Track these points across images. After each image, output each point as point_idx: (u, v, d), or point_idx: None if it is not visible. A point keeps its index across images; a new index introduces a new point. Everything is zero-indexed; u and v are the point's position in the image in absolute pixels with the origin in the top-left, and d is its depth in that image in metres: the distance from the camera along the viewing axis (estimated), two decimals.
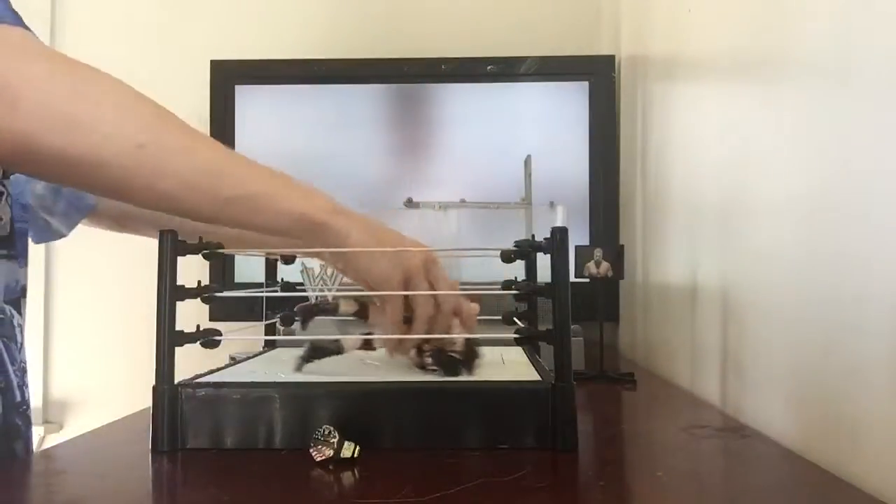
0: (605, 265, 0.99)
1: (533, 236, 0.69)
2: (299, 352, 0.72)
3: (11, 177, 0.70)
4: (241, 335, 1.01)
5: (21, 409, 0.71)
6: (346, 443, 0.59)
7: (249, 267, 1.32)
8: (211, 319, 0.83)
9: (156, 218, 0.83)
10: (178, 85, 1.60)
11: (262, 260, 0.94)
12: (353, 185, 1.44)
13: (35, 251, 1.63)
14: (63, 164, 0.55)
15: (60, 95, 0.54)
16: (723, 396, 0.87)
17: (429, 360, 0.71)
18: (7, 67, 0.53)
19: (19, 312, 0.72)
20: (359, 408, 0.63)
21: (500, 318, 0.88)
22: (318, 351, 0.71)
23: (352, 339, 0.71)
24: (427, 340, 0.71)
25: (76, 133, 0.54)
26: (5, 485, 0.57)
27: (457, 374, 0.70)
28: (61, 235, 0.87)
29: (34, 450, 0.76)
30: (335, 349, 0.71)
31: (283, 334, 0.95)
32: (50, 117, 0.53)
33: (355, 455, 0.58)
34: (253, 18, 1.68)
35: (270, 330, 0.92)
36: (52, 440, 1.60)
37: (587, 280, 0.99)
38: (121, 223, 0.89)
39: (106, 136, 0.55)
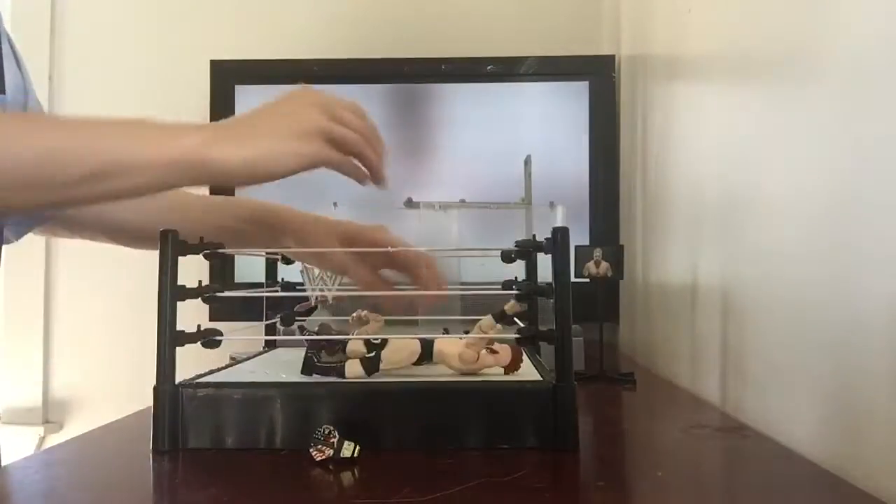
0: (605, 265, 0.99)
1: (533, 236, 0.69)
2: (299, 364, 0.71)
3: None
4: (242, 335, 1.01)
5: None
6: (346, 443, 0.59)
7: (249, 267, 1.32)
8: (211, 319, 0.83)
9: (107, 225, 0.82)
10: (178, 85, 1.60)
11: (262, 260, 0.94)
12: (353, 184, 1.43)
13: (35, 251, 1.64)
14: None
15: None
16: (723, 396, 0.87)
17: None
18: None
19: None
20: (359, 408, 0.64)
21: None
22: (317, 368, 0.70)
23: (354, 365, 0.69)
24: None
25: None
26: (5, 485, 0.57)
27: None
28: (8, 242, 0.83)
29: (34, 450, 0.76)
30: (337, 369, 0.69)
31: (283, 334, 0.95)
32: None
33: (355, 455, 0.58)
34: (253, 18, 1.68)
35: (270, 330, 0.92)
36: (52, 440, 1.60)
37: (587, 280, 0.99)
38: (72, 230, 0.85)
39: None
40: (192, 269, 0.69)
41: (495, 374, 0.71)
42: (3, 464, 0.67)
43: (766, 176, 0.76)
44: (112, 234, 0.84)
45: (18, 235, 0.82)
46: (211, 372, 0.73)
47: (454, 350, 0.69)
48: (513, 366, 0.71)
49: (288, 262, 0.88)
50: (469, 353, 0.69)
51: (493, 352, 0.70)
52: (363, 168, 0.62)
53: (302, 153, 0.57)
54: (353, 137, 0.60)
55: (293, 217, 0.82)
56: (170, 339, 0.63)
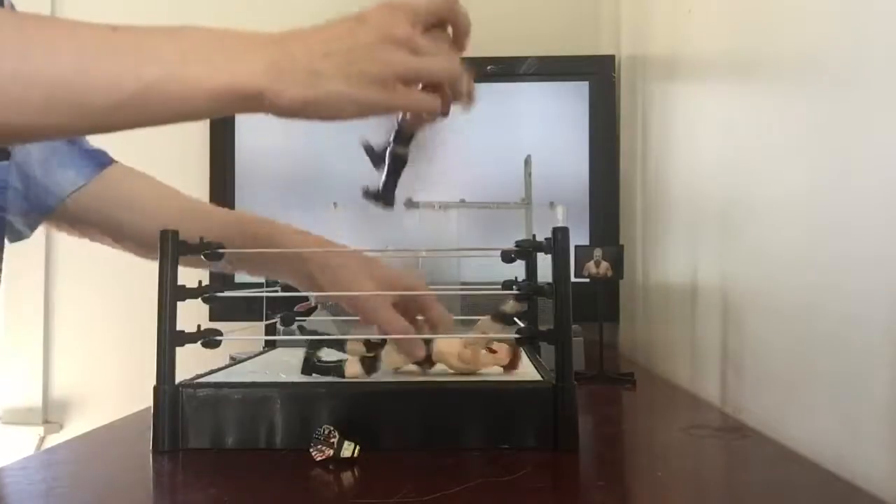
0: (604, 265, 0.99)
1: (534, 236, 0.69)
2: (299, 365, 0.71)
3: None
4: (242, 335, 1.01)
5: None
6: (346, 443, 0.59)
7: None
8: (211, 319, 0.83)
9: (115, 229, 0.79)
10: None
11: None
12: (354, 185, 1.43)
13: (35, 251, 1.64)
14: None
15: None
16: (723, 396, 0.87)
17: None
18: None
19: None
20: (359, 408, 0.64)
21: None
22: (317, 368, 0.70)
23: (354, 365, 0.69)
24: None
25: None
26: (5, 485, 0.57)
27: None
28: (23, 237, 0.80)
29: (34, 450, 0.76)
30: (337, 370, 0.69)
31: (283, 334, 0.95)
32: None
33: (355, 455, 0.58)
34: (253, 18, 1.68)
35: (270, 330, 0.92)
36: (52, 440, 1.60)
37: (587, 280, 0.99)
38: (78, 228, 0.81)
39: None
40: (192, 270, 0.69)
41: (495, 374, 0.71)
42: (2, 464, 0.67)
43: (766, 176, 0.76)
44: (119, 237, 0.81)
45: (32, 229, 0.80)
46: (211, 372, 0.73)
47: (453, 350, 0.69)
48: (512, 365, 0.71)
49: None
50: (468, 353, 0.69)
51: (492, 351, 0.70)
52: (437, 101, 0.55)
53: (369, 103, 0.51)
54: (435, 75, 0.53)
55: (319, 252, 0.75)
56: (170, 339, 0.63)
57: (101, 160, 0.78)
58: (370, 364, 0.68)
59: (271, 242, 0.74)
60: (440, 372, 0.71)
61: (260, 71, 0.48)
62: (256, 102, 0.48)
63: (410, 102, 0.53)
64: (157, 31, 0.50)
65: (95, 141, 0.79)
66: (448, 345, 0.70)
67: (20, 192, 0.76)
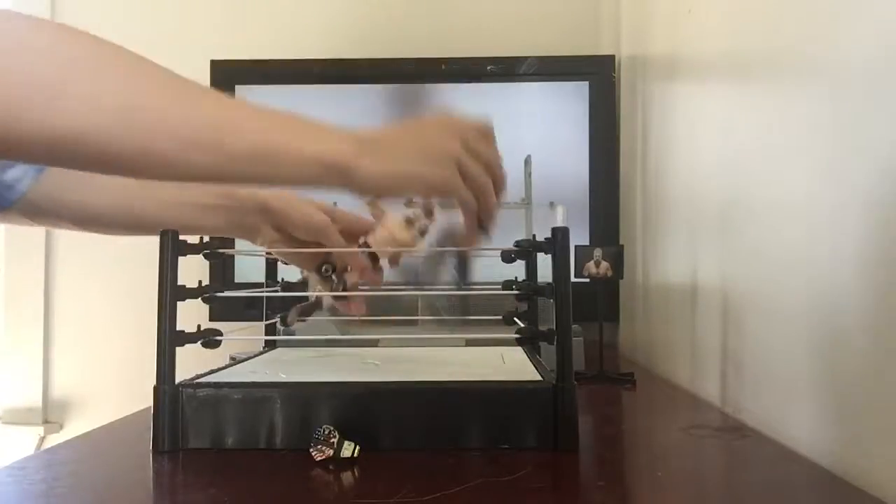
0: (604, 265, 0.99)
1: (533, 236, 0.69)
2: (299, 365, 0.73)
3: None
4: (242, 335, 1.01)
5: None
6: (346, 443, 0.59)
7: (249, 267, 1.32)
8: (211, 319, 0.83)
9: (73, 212, 0.80)
10: None
11: (262, 260, 0.94)
12: None
13: (35, 251, 1.64)
14: (42, 141, 0.47)
15: (31, 61, 0.47)
16: (723, 396, 0.87)
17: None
18: None
19: None
20: (359, 408, 0.64)
21: (500, 317, 0.89)
22: (301, 310, 0.73)
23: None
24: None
25: (52, 106, 0.47)
26: (5, 485, 0.57)
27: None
28: None
29: (34, 450, 0.76)
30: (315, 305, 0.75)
31: (283, 334, 0.95)
32: (23, 89, 0.46)
33: (355, 455, 0.58)
34: (253, 18, 1.68)
35: (270, 330, 0.92)
36: (52, 440, 1.60)
37: (587, 280, 0.99)
38: (32, 218, 0.82)
39: (83, 102, 0.48)
40: (192, 269, 0.69)
41: (495, 374, 0.71)
42: (2, 464, 0.67)
43: (766, 176, 0.76)
44: (81, 220, 0.82)
45: None
46: (211, 372, 0.73)
47: (391, 235, 0.73)
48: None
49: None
50: (405, 236, 0.73)
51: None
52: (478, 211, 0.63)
53: (434, 180, 0.59)
54: (482, 179, 0.61)
55: (274, 192, 0.82)
56: (170, 339, 0.63)
57: None
58: (328, 284, 0.74)
59: (234, 195, 0.80)
60: (441, 373, 0.71)
61: (353, 150, 0.57)
62: (346, 175, 0.56)
63: (462, 192, 0.61)
64: (266, 109, 0.57)
65: None
66: (385, 233, 0.74)
67: None
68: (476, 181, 0.61)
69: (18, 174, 0.77)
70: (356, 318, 0.78)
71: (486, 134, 0.63)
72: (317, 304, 0.83)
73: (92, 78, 0.49)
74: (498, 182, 0.63)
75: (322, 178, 0.57)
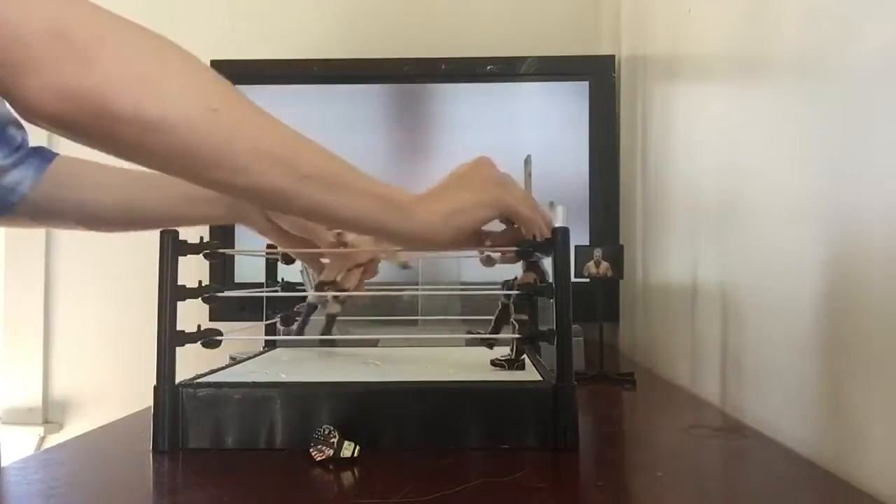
0: (604, 265, 0.99)
1: (534, 236, 0.69)
2: (299, 365, 0.73)
3: None
4: (242, 335, 1.01)
5: None
6: (346, 442, 0.59)
7: (249, 267, 1.32)
8: (211, 319, 0.83)
9: (77, 212, 0.82)
10: None
11: (263, 260, 0.94)
12: None
13: (35, 251, 1.64)
14: (132, 125, 0.50)
15: (131, 52, 0.51)
16: (723, 396, 0.87)
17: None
18: (79, 21, 0.49)
19: None
20: (359, 408, 0.64)
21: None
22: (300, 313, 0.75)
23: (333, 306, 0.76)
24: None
25: (149, 91, 0.50)
26: (5, 485, 0.57)
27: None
28: None
29: (34, 450, 0.76)
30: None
31: (283, 334, 0.95)
32: (122, 75, 0.50)
33: (355, 455, 0.58)
34: (253, 18, 1.68)
35: (270, 330, 0.92)
36: (52, 440, 1.60)
37: (587, 280, 0.99)
38: (37, 219, 0.84)
39: (177, 95, 0.51)
40: (192, 269, 0.69)
41: (495, 374, 0.71)
42: (3, 464, 0.68)
43: (766, 176, 0.76)
44: (82, 219, 0.83)
45: None
46: (211, 372, 0.73)
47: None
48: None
49: (288, 262, 0.88)
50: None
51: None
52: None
53: (490, 202, 0.64)
54: (531, 201, 0.68)
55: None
56: (170, 339, 0.63)
57: (46, 155, 0.81)
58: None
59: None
60: (441, 373, 0.71)
61: (410, 195, 0.62)
62: (405, 213, 0.61)
63: (518, 205, 0.67)
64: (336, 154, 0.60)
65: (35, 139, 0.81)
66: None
67: None
68: (527, 201, 0.67)
69: (18, 177, 0.78)
70: (355, 317, 0.78)
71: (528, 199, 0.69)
72: (330, 321, 0.87)
73: (185, 77, 0.53)
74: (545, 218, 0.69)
75: (380, 213, 0.59)
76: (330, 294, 0.80)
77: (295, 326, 0.88)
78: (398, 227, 0.60)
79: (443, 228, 0.62)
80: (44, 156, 0.81)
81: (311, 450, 0.59)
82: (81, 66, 0.48)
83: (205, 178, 0.55)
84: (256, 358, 0.87)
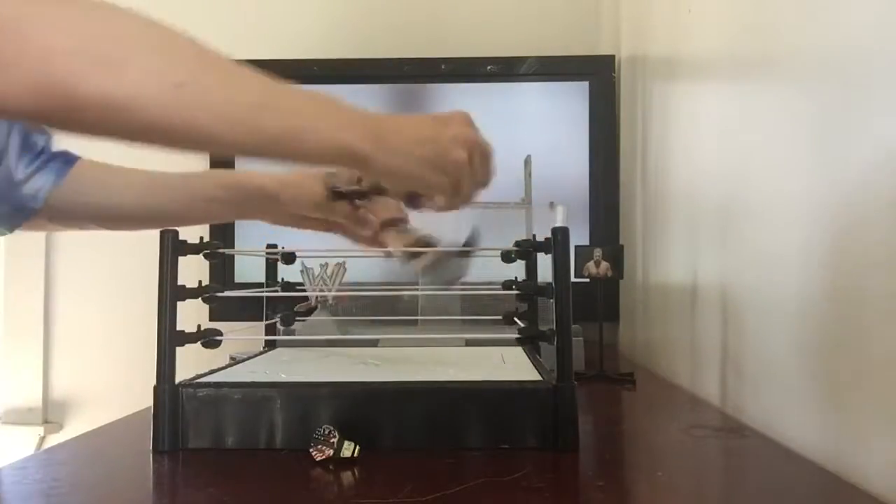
0: (604, 265, 0.99)
1: (534, 236, 0.69)
2: (299, 365, 0.73)
3: None
4: (242, 335, 1.01)
5: None
6: (346, 442, 0.59)
7: (249, 267, 1.32)
8: (211, 319, 0.83)
9: (94, 213, 0.84)
10: None
11: (263, 260, 0.94)
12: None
13: (35, 251, 1.64)
14: (101, 109, 0.50)
15: (93, 36, 0.51)
16: (723, 396, 0.87)
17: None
18: (33, 13, 0.49)
19: None
20: (359, 408, 0.64)
21: (500, 317, 0.89)
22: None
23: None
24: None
25: (113, 74, 0.50)
26: (5, 485, 0.57)
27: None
28: (1, 234, 0.86)
29: (34, 450, 0.76)
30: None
31: (283, 334, 0.95)
32: (86, 61, 0.50)
33: (355, 455, 0.58)
34: (253, 18, 1.68)
35: (270, 330, 0.92)
36: (52, 440, 1.60)
37: (587, 280, 0.99)
38: (57, 221, 0.87)
39: (144, 74, 0.51)
40: (192, 269, 0.69)
41: (495, 374, 0.71)
42: (2, 463, 0.68)
43: (766, 176, 0.76)
44: (102, 220, 0.86)
45: (11, 230, 0.84)
46: (211, 372, 0.73)
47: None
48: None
49: (288, 261, 0.88)
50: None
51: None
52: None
53: (434, 185, 0.65)
54: (468, 192, 0.68)
55: (272, 176, 0.85)
56: (170, 339, 0.63)
57: (69, 158, 0.83)
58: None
59: (239, 186, 0.83)
60: (441, 373, 0.71)
61: (371, 137, 0.61)
62: (359, 163, 0.61)
63: (443, 193, 0.67)
64: (308, 94, 0.61)
65: (61, 143, 0.83)
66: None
67: (4, 196, 0.81)
68: (466, 196, 0.67)
69: (40, 183, 0.80)
70: (355, 317, 0.78)
71: (488, 154, 0.68)
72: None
73: (148, 54, 0.53)
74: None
75: (340, 162, 0.62)
76: (330, 294, 0.80)
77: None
78: (346, 166, 0.64)
79: (387, 180, 0.65)
80: (66, 159, 0.83)
81: (311, 450, 0.59)
82: (42, 59, 0.48)
83: (177, 144, 0.56)
84: (256, 358, 0.87)
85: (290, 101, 0.59)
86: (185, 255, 0.66)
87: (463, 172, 0.66)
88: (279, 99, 0.59)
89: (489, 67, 1.49)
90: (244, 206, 0.83)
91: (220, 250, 0.71)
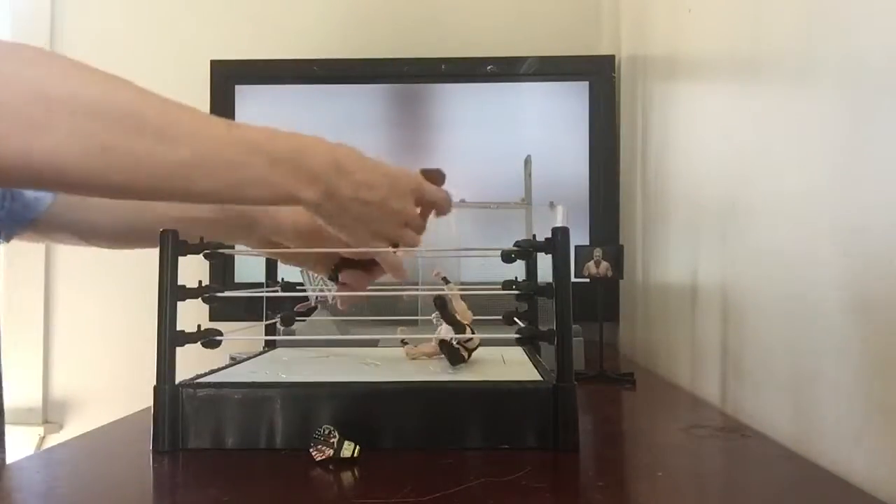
0: (604, 265, 0.99)
1: (534, 236, 0.69)
2: (298, 365, 0.73)
3: None
4: (242, 335, 1.01)
5: None
6: (346, 443, 0.59)
7: (249, 267, 1.32)
8: (211, 319, 0.83)
9: (83, 229, 0.85)
10: (178, 85, 1.59)
11: (263, 260, 0.94)
12: None
13: (35, 252, 1.64)
14: (21, 170, 0.49)
15: (22, 96, 0.49)
16: (723, 396, 0.87)
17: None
18: None
19: None
20: (359, 408, 0.64)
21: (500, 317, 0.88)
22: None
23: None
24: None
25: (36, 136, 0.49)
26: (5, 484, 0.57)
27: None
28: None
29: (34, 450, 0.76)
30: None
31: (283, 334, 0.95)
32: (10, 122, 0.48)
33: (355, 455, 0.58)
34: (253, 18, 1.68)
35: (270, 330, 0.92)
36: (53, 440, 1.60)
37: (587, 280, 0.99)
38: (45, 235, 0.87)
39: (69, 137, 0.50)
40: (192, 269, 0.69)
41: (495, 374, 0.71)
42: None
43: (766, 176, 0.76)
44: (89, 236, 0.86)
45: (8, 237, 0.85)
46: (211, 372, 0.73)
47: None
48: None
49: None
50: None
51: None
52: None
53: (362, 245, 0.68)
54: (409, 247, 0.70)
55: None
56: (170, 339, 0.63)
57: None
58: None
59: (224, 208, 0.82)
60: (441, 373, 0.71)
61: (316, 197, 0.62)
62: (303, 207, 0.63)
63: (385, 263, 0.72)
64: (251, 143, 0.59)
65: None
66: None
67: (3, 207, 0.81)
68: (406, 241, 0.70)
69: (40, 194, 0.81)
70: (355, 317, 0.78)
71: (421, 228, 0.71)
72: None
73: (78, 116, 0.51)
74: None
75: (285, 205, 0.64)
76: (330, 294, 0.80)
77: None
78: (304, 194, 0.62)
79: (324, 222, 0.66)
80: None
81: (311, 450, 0.59)
82: None
83: (111, 198, 0.58)
84: (256, 358, 0.87)
85: (230, 153, 0.57)
86: (185, 255, 0.66)
87: (401, 241, 0.69)
88: (217, 153, 0.57)
89: (489, 67, 1.49)
90: (234, 229, 0.82)
91: (220, 250, 0.71)
